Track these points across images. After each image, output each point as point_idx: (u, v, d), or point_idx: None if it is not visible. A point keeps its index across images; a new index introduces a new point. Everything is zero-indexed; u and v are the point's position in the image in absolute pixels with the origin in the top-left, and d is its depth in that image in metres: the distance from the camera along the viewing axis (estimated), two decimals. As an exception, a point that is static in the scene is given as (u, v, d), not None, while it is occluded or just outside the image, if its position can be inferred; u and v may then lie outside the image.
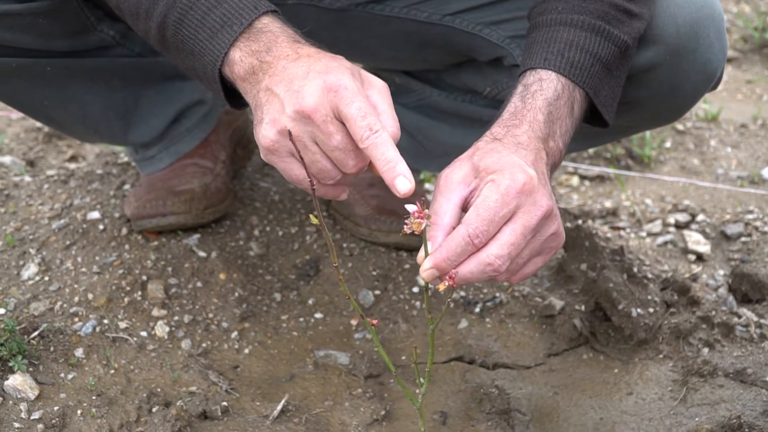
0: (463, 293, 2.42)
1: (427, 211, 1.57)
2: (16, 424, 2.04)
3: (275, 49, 1.69)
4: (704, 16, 1.99)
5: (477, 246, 1.57)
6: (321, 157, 1.66)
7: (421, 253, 1.60)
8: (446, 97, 2.38)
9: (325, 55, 1.68)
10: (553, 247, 1.67)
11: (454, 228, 1.59)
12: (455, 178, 1.65)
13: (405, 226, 1.57)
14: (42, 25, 2.05)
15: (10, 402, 2.08)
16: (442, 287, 1.58)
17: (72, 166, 2.79)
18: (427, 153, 2.51)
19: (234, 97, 1.78)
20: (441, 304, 2.39)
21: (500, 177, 1.60)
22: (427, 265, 1.58)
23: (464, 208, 1.63)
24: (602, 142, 2.60)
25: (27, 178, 2.74)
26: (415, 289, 2.45)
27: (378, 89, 1.67)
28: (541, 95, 1.77)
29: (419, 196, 2.53)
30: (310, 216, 1.62)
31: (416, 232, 1.56)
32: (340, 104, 1.60)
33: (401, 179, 1.59)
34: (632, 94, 1.94)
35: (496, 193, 1.58)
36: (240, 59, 1.69)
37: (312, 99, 1.61)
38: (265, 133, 1.66)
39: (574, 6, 1.85)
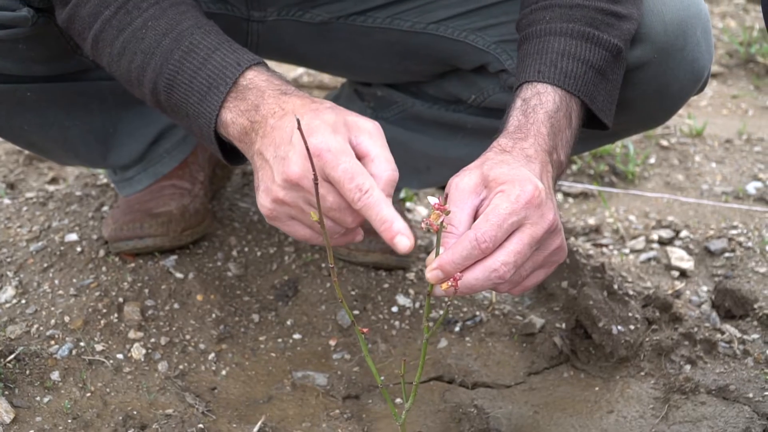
0: (442, 311, 2.40)
1: (447, 206, 1.57)
2: (-11, 449, 2.04)
3: (263, 106, 1.70)
4: (691, 14, 2.01)
5: (484, 251, 1.58)
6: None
7: (432, 254, 1.60)
8: (429, 107, 2.39)
9: (309, 108, 1.67)
10: (555, 261, 1.69)
11: (464, 233, 1.60)
12: (466, 187, 1.65)
13: (423, 223, 1.58)
14: (22, 51, 2.04)
15: (-16, 427, 2.07)
16: (444, 287, 1.57)
17: (52, 188, 2.79)
18: (407, 168, 2.43)
19: (235, 154, 1.80)
20: (420, 323, 2.38)
21: (510, 188, 1.61)
22: (433, 265, 1.58)
23: (475, 218, 1.64)
24: (591, 147, 2.60)
25: (6, 201, 2.73)
26: (395, 309, 2.44)
27: (369, 133, 1.67)
28: (541, 109, 1.78)
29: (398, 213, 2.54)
30: (311, 213, 1.62)
31: (432, 229, 1.56)
32: (326, 168, 1.61)
33: (400, 238, 1.59)
34: (621, 94, 1.94)
35: (506, 202, 1.60)
36: (232, 121, 1.71)
37: (296, 167, 1.62)
38: (263, 203, 1.69)
39: (561, 14, 1.86)
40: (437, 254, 1.59)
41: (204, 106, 1.73)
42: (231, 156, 1.81)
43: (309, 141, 1.58)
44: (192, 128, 1.79)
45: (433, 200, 1.57)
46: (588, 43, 1.83)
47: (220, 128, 1.74)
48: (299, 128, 1.49)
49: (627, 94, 1.97)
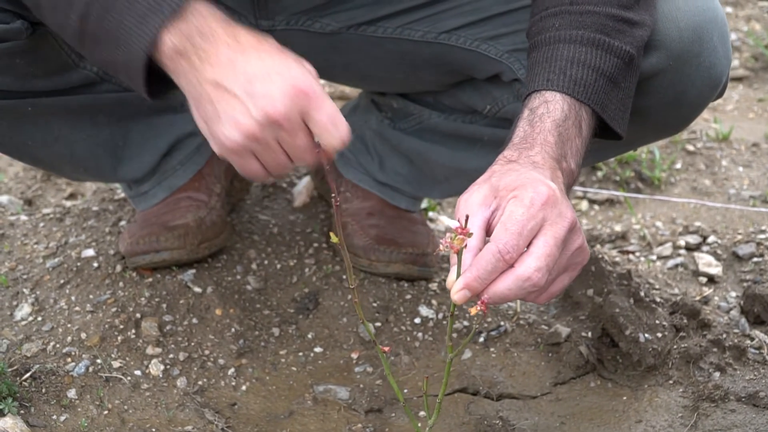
0: (466, 323, 2.40)
1: (469, 228, 1.56)
2: (5, 470, 2.04)
3: (210, 34, 1.70)
4: (707, 19, 1.99)
5: (508, 262, 1.56)
6: (281, 154, 1.71)
7: (452, 275, 1.58)
8: (445, 119, 2.37)
9: (270, 46, 1.72)
10: (579, 262, 1.67)
11: (481, 249, 1.58)
12: (475, 201, 1.64)
13: (441, 244, 1.57)
14: (20, 66, 2.04)
15: (-1, 446, 2.07)
16: (473, 311, 1.56)
17: (69, 204, 2.80)
18: (427, 179, 2.51)
19: (154, 87, 1.78)
20: (444, 334, 2.39)
21: (523, 192, 1.60)
22: (458, 286, 1.57)
23: (487, 231, 1.62)
24: (607, 156, 2.58)
25: (23, 217, 2.74)
26: (417, 320, 2.44)
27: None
28: (549, 117, 1.77)
29: (417, 224, 2.53)
30: (330, 234, 1.64)
31: (452, 250, 1.55)
32: (311, 109, 1.66)
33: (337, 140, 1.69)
34: (637, 102, 1.92)
35: (521, 207, 1.59)
36: (172, 43, 1.68)
37: (282, 105, 1.65)
38: (229, 135, 1.69)
39: (571, 22, 1.85)
40: (458, 273, 1.57)
41: (142, 28, 1.69)
42: (153, 90, 1.79)
43: (295, 82, 1.66)
44: (116, 57, 1.74)
45: (454, 223, 1.57)
46: (599, 50, 1.82)
47: (155, 52, 1.70)
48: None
49: (643, 102, 1.96)
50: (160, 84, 1.77)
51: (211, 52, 1.69)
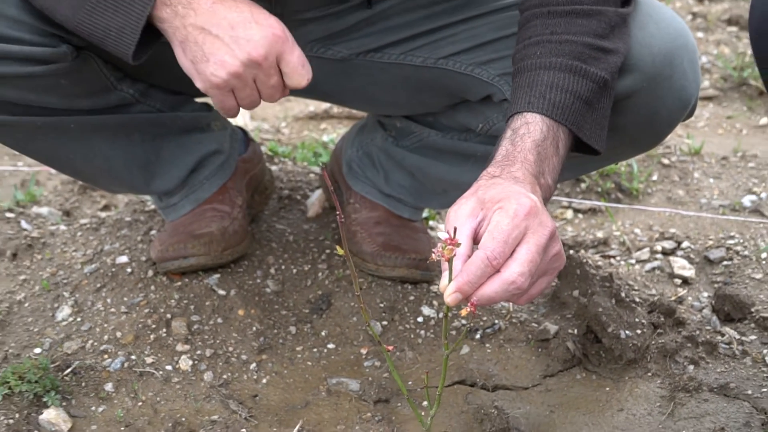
0: (464, 321, 2.40)
1: (457, 239, 1.57)
2: (50, 457, 2.04)
3: None
4: (678, 45, 2.00)
5: (495, 267, 1.57)
6: (254, 91, 1.88)
7: (444, 281, 1.60)
8: (443, 137, 2.37)
9: None
10: (556, 267, 1.67)
11: (469, 256, 1.59)
12: (463, 212, 1.65)
13: (434, 253, 1.58)
14: (64, 86, 2.04)
15: (44, 435, 2.08)
16: (464, 313, 1.57)
17: (104, 214, 2.80)
18: (427, 191, 2.51)
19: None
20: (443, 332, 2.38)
21: (507, 203, 1.61)
22: (451, 289, 1.58)
23: (475, 239, 1.62)
24: (590, 169, 2.58)
25: (62, 227, 2.74)
26: (420, 319, 2.43)
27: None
28: (529, 137, 1.77)
29: (419, 232, 2.54)
30: (337, 247, 1.68)
31: (443, 258, 1.57)
32: (286, 53, 1.86)
33: (305, 80, 1.89)
34: (613, 121, 1.92)
35: (506, 217, 1.59)
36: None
37: (263, 48, 1.82)
38: (216, 72, 1.82)
39: (551, 50, 1.85)
40: (450, 278, 1.58)
41: None
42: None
43: (273, 30, 1.83)
44: (111, 22, 1.83)
45: (443, 235, 1.58)
46: (575, 75, 1.83)
47: (153, 12, 1.82)
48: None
49: (619, 120, 1.96)
50: (139, 49, 1.86)
51: (194, 1, 1.82)
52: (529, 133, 1.78)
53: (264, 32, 1.82)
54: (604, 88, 1.86)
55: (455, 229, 1.60)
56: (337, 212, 1.62)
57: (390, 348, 1.77)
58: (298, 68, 1.87)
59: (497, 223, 1.59)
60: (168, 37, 1.86)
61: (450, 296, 1.58)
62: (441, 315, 2.43)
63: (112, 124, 2.21)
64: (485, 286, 1.57)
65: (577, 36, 1.86)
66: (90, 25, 1.86)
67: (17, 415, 2.10)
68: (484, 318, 2.43)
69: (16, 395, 2.14)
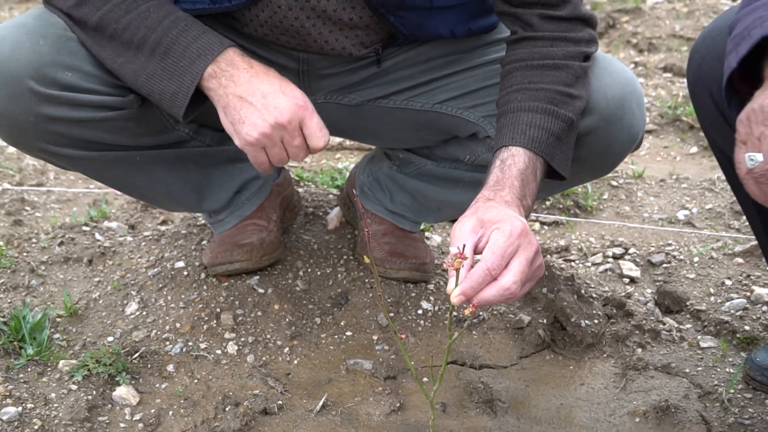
0: (455, 313, 2.39)
1: (465, 253, 1.59)
2: (122, 425, 2.07)
3: (235, 64, 1.86)
4: (628, 92, 2.01)
5: (493, 276, 1.59)
6: (282, 150, 1.88)
7: (451, 284, 1.61)
8: (437, 166, 2.38)
9: (275, 73, 1.89)
10: (538, 275, 1.68)
11: (472, 266, 1.61)
12: (466, 229, 1.66)
13: (444, 263, 1.60)
14: (131, 128, 2.06)
15: (117, 408, 2.11)
16: (468, 311, 1.58)
17: (163, 228, 2.80)
18: (424, 209, 2.51)
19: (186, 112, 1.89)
20: (439, 321, 2.39)
21: (503, 225, 1.62)
22: (457, 293, 1.59)
23: (475, 251, 1.64)
24: (556, 191, 2.61)
25: (129, 238, 2.75)
26: (420, 311, 2.44)
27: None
28: (514, 167, 1.79)
29: (418, 241, 2.55)
30: (364, 257, 1.75)
31: (453, 268, 1.58)
32: (306, 119, 1.86)
33: (322, 141, 1.89)
34: (576, 153, 1.94)
35: (503, 236, 1.61)
36: (213, 72, 1.85)
37: (288, 115, 1.83)
38: (250, 132, 1.84)
39: (529, 96, 1.87)
40: (456, 283, 1.60)
41: (194, 66, 1.84)
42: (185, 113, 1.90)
43: (296, 100, 1.85)
44: (166, 88, 1.86)
45: (454, 250, 1.60)
46: (549, 116, 1.85)
47: (201, 81, 1.85)
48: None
49: (580, 152, 1.97)
50: (188, 110, 1.88)
51: (235, 75, 1.84)
52: (514, 163, 1.80)
53: (289, 102, 1.84)
54: (571, 126, 1.88)
55: (464, 246, 1.62)
56: (364, 228, 1.62)
57: (403, 336, 1.78)
58: (316, 132, 1.87)
59: (496, 241, 1.61)
60: (213, 101, 1.88)
61: (456, 298, 1.59)
62: (437, 308, 2.44)
63: (171, 157, 2.22)
64: (485, 291, 1.59)
65: (550, 85, 1.88)
66: (148, 89, 1.89)
67: (94, 392, 2.12)
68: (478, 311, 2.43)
69: (94, 376, 2.15)
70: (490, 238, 1.62)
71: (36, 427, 2.02)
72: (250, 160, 1.92)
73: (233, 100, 1.84)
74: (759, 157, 1.48)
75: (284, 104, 1.84)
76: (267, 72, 1.88)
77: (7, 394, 2.09)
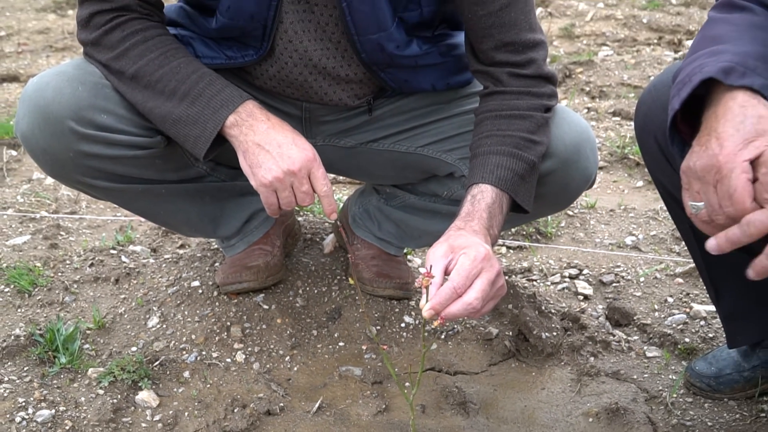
0: (428, 326, 2.35)
1: (432, 273, 1.61)
2: (144, 425, 2.05)
3: (254, 116, 1.86)
4: (583, 138, 2.02)
5: (459, 294, 1.58)
6: (291, 195, 1.87)
7: (423, 301, 1.61)
8: (419, 200, 2.38)
9: (289, 126, 1.89)
10: (500, 294, 1.68)
11: (441, 284, 1.60)
12: (438, 253, 1.66)
13: (416, 281, 1.61)
14: (158, 164, 2.07)
15: (139, 410, 2.09)
16: (436, 324, 1.58)
17: (181, 251, 2.79)
18: (407, 236, 2.51)
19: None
20: (420, 334, 2.37)
21: (470, 251, 1.62)
22: (427, 308, 1.59)
23: (446, 272, 1.64)
24: (521, 223, 2.59)
25: (151, 260, 2.74)
26: (403, 325, 2.42)
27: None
28: (483, 201, 1.80)
29: (402, 263, 2.54)
30: (350, 279, 1.68)
31: (423, 286, 1.59)
32: (314, 169, 1.86)
33: (332, 208, 1.88)
34: (538, 191, 1.95)
35: (468, 260, 1.61)
36: (234, 122, 1.85)
37: (298, 163, 1.84)
38: (265, 176, 1.84)
39: (498, 141, 1.88)
40: (427, 300, 1.60)
41: (218, 115, 1.84)
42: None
43: (306, 152, 1.85)
44: (190, 132, 1.87)
45: (423, 270, 1.62)
46: (514, 159, 1.85)
47: (223, 128, 1.85)
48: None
49: (541, 190, 1.98)
50: (208, 151, 1.88)
51: (254, 125, 1.84)
52: (483, 198, 1.80)
53: (300, 153, 1.84)
54: (533, 168, 1.89)
55: (431, 266, 1.63)
56: (350, 254, 1.63)
57: (385, 347, 1.77)
58: (321, 179, 1.87)
59: (462, 264, 1.61)
60: (234, 146, 1.88)
61: (426, 312, 1.59)
62: (419, 323, 2.43)
63: (191, 190, 2.22)
64: (451, 307, 1.59)
65: (516, 132, 1.89)
66: (173, 132, 1.90)
67: (119, 396, 2.11)
68: (447, 324, 2.44)
69: (119, 381, 2.14)
70: (458, 261, 1.63)
71: (67, 427, 2.00)
72: (262, 200, 1.91)
73: (252, 146, 1.84)
74: (700, 205, 1.48)
75: (296, 155, 1.84)
76: (282, 125, 1.88)
77: (42, 398, 2.08)
